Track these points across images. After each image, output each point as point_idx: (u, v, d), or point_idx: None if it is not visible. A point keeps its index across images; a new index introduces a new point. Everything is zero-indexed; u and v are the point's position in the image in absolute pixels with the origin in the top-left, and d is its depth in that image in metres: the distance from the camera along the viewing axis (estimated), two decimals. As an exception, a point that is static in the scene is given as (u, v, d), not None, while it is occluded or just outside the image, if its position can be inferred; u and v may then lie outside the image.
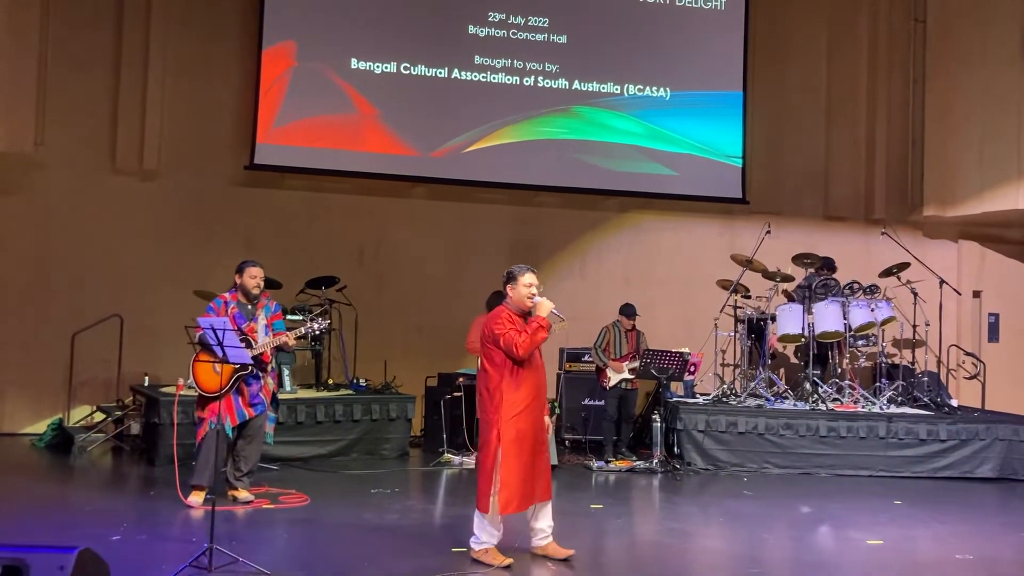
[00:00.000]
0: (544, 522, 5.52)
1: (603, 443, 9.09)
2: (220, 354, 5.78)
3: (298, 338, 6.76)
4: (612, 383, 9.00)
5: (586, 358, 9.74)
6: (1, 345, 9.54)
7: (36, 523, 6.09)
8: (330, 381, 9.37)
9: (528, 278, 5.43)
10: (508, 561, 5.30)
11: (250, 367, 6.41)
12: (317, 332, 6.91)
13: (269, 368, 6.69)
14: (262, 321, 6.62)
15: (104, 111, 9.96)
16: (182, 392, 7.27)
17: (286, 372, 8.91)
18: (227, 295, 6.67)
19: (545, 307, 5.39)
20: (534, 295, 5.42)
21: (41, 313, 9.62)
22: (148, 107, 9.98)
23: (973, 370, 11.32)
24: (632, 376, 9.02)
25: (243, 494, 6.68)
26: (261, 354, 6.52)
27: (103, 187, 9.94)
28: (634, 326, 9.20)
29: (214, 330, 5.65)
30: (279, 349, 6.86)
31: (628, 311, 9.18)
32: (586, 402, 9.68)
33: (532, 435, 5.34)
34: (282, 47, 10.25)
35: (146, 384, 9.07)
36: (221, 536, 5.19)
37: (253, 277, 6.65)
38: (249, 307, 6.65)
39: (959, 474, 8.82)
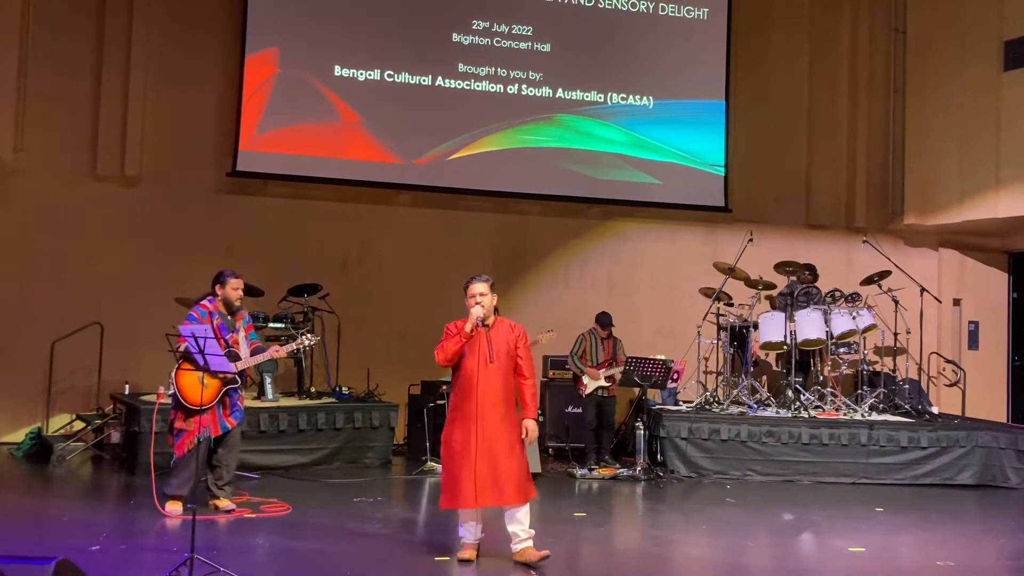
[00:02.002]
0: (515, 526, 5.53)
1: (585, 451, 9.09)
2: (201, 362, 5.74)
3: (290, 353, 6.76)
4: (588, 391, 9.02)
5: (568, 366, 9.74)
6: (-21, 353, 9.46)
7: (13, 534, 6.01)
8: (312, 389, 9.33)
9: (473, 288, 5.58)
10: (466, 556, 5.52)
11: (236, 378, 6.39)
12: (308, 347, 6.89)
13: (246, 376, 6.67)
14: (242, 332, 6.59)
15: (85, 117, 9.89)
16: (162, 401, 7.20)
17: (268, 380, 8.86)
18: (208, 304, 6.61)
19: (470, 317, 5.50)
20: (476, 304, 5.52)
21: (20, 320, 9.53)
22: (130, 113, 9.93)
23: (953, 377, 11.41)
24: (609, 384, 9.03)
25: (224, 503, 6.63)
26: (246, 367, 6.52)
27: (84, 193, 9.87)
28: (611, 334, 9.21)
29: (195, 338, 5.62)
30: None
31: (604, 320, 9.20)
32: (568, 410, 9.68)
33: (463, 438, 5.41)
34: (265, 54, 10.22)
35: (126, 392, 9.00)
36: (202, 545, 5.15)
37: (236, 289, 6.61)
38: (230, 318, 6.61)
39: (940, 481, 8.87)
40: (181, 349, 6.38)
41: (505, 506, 5.48)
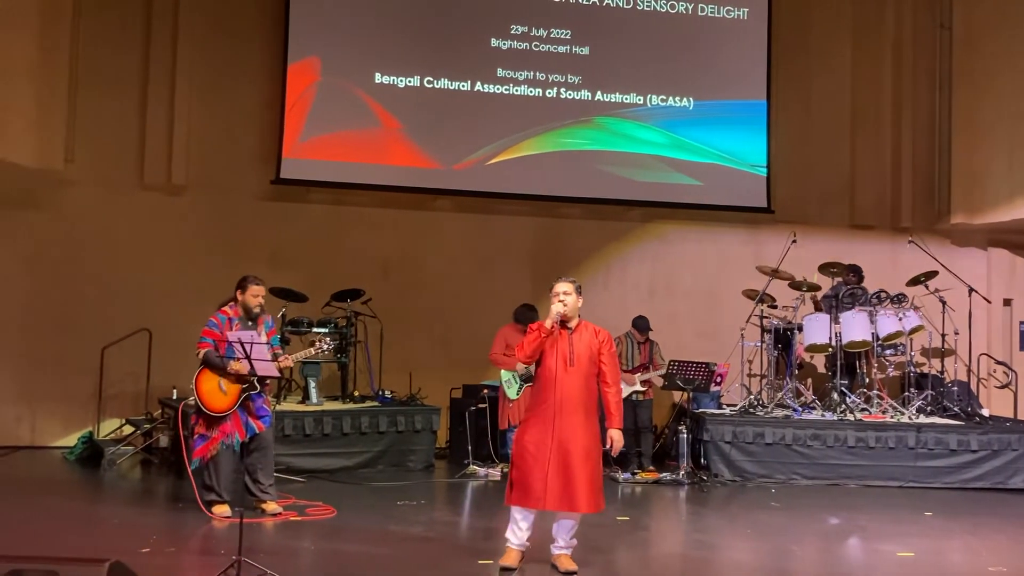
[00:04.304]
0: (559, 531, 5.50)
1: (627, 455, 9.06)
2: (247, 367, 5.83)
3: (319, 352, 6.84)
4: (623, 395, 8.94)
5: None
6: (32, 359, 9.69)
7: (67, 536, 6.16)
8: (356, 393, 9.40)
9: (557, 287, 5.52)
10: (508, 563, 5.41)
11: (255, 383, 6.45)
12: (326, 351, 6.95)
13: (267, 381, 6.70)
14: (263, 337, 6.66)
15: (132, 127, 10.10)
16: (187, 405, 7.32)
17: (312, 384, 8.96)
18: (228, 310, 6.69)
19: (551, 314, 5.45)
20: (558, 302, 5.47)
21: (71, 327, 9.75)
22: (176, 123, 10.12)
23: (1004, 379, 11.16)
24: (644, 388, 8.97)
25: (271, 506, 6.73)
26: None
27: (132, 202, 10.07)
28: (648, 338, 9.15)
29: (242, 343, 5.70)
30: (304, 361, 6.93)
31: (641, 324, 9.14)
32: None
33: (538, 439, 5.34)
34: (307, 63, 10.35)
35: (174, 397, 9.15)
36: (249, 548, 5.22)
37: (255, 296, 6.67)
38: (250, 323, 6.68)
39: (991, 485, 8.70)
40: (200, 356, 6.49)
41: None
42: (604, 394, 5.53)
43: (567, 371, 5.40)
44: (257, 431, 6.63)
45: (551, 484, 5.27)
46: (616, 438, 5.49)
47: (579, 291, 5.55)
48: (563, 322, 5.47)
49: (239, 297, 6.70)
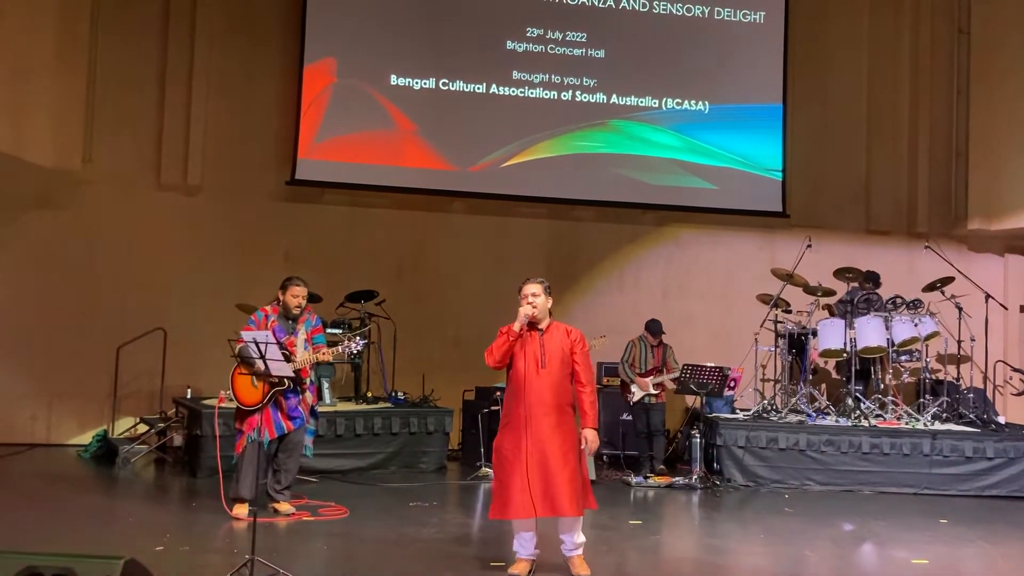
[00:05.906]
0: (566, 535, 5.43)
1: (639, 458, 9.04)
2: (263, 367, 5.85)
3: (339, 355, 6.83)
4: (635, 398, 8.95)
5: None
6: (48, 358, 9.75)
7: (81, 532, 6.20)
8: (369, 394, 9.43)
9: (526, 288, 5.43)
10: (516, 572, 5.35)
11: (288, 382, 6.47)
12: (355, 351, 6.94)
13: (308, 382, 6.74)
14: (302, 336, 6.70)
15: (149, 128, 10.17)
16: (223, 404, 7.35)
17: (326, 385, 8.99)
18: (268, 308, 6.78)
19: (519, 317, 5.36)
20: (527, 304, 5.38)
21: (87, 326, 9.81)
22: (192, 124, 10.19)
23: (1021, 386, 11.08)
24: (657, 391, 8.96)
25: (284, 506, 6.75)
26: (299, 369, 6.58)
27: (148, 202, 10.14)
28: (661, 341, 9.13)
29: (256, 343, 5.73)
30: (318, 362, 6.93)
31: (654, 327, 9.12)
32: (623, 417, 9.63)
33: (513, 445, 5.27)
34: (323, 64, 10.39)
35: (188, 396, 9.20)
36: (262, 548, 5.24)
37: (295, 296, 6.72)
38: (290, 321, 6.73)
39: (1007, 493, 8.63)
40: (236, 350, 6.52)
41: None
42: (578, 394, 5.42)
43: (538, 373, 5.31)
44: (287, 431, 6.65)
45: (531, 491, 5.19)
46: (591, 438, 5.38)
47: (548, 291, 5.46)
48: (532, 323, 5.39)
49: (280, 297, 6.76)
